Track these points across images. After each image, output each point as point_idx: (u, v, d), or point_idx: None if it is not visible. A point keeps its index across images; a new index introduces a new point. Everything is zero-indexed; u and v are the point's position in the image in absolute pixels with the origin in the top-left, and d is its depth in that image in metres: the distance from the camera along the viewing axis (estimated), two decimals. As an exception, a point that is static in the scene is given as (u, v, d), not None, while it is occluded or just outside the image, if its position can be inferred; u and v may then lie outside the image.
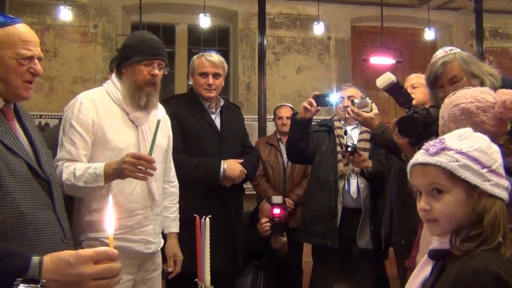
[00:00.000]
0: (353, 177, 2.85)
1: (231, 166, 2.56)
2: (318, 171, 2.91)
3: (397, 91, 2.02)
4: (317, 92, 2.66)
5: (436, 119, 1.79)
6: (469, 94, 1.58)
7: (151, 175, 1.86)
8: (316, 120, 3.25)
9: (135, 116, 2.03)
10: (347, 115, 2.57)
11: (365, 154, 2.78)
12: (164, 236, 2.22)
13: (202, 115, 2.63)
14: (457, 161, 1.12)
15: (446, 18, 7.18)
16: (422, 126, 1.92)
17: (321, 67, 6.84)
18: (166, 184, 2.24)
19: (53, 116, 5.83)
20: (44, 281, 0.96)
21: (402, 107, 2.05)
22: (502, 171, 1.15)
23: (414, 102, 2.67)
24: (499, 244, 1.10)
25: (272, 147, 3.67)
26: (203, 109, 2.65)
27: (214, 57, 2.65)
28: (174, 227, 2.26)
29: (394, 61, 6.00)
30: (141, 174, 1.81)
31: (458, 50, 2.10)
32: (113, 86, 2.06)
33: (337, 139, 2.90)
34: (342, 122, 2.97)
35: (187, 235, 2.02)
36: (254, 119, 6.15)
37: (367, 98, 2.55)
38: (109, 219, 1.01)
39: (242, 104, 6.68)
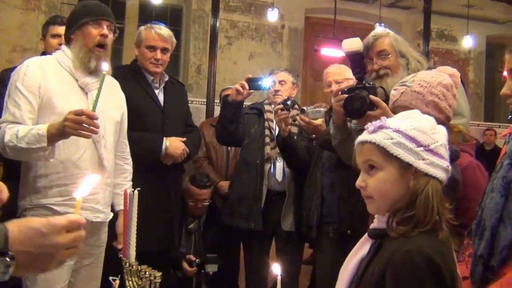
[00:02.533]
0: (279, 161, 2.85)
1: (174, 144, 2.49)
2: (245, 154, 2.89)
3: (358, 62, 1.97)
4: (250, 75, 2.65)
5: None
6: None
7: (95, 132, 1.81)
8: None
9: (84, 82, 1.97)
10: (300, 121, 2.56)
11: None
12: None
13: (145, 89, 2.53)
14: (391, 138, 1.13)
15: (396, 16, 7.38)
16: (367, 108, 1.93)
17: (273, 55, 6.84)
18: (120, 160, 2.20)
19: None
20: (12, 253, 0.84)
21: (355, 79, 2.04)
22: (443, 152, 1.16)
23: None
24: (435, 226, 1.11)
25: (216, 129, 3.63)
26: (147, 83, 2.56)
27: (164, 30, 2.56)
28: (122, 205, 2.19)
29: (344, 54, 6.08)
30: (83, 131, 1.75)
31: (392, 32, 2.14)
32: (63, 54, 2.01)
33: (266, 122, 2.89)
34: (272, 106, 2.95)
35: None
36: (202, 103, 6.06)
37: (322, 109, 2.55)
38: (84, 184, 0.97)
39: (192, 86, 6.57)
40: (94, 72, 1.99)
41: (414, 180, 1.12)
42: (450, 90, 1.72)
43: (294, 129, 2.85)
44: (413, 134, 1.14)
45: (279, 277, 1.15)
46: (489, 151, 6.79)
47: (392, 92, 1.77)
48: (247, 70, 6.89)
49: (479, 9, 7.40)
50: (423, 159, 1.12)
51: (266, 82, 2.63)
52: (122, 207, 2.15)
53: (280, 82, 2.93)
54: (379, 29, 2.16)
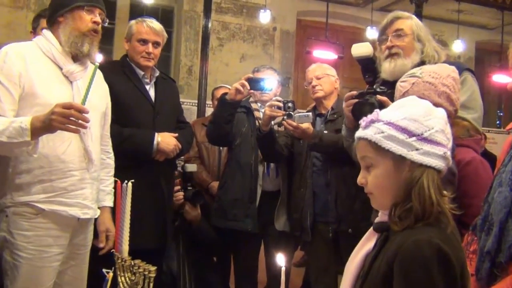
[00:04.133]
0: None
1: (165, 140, 2.42)
2: (238, 154, 2.81)
3: (368, 66, 1.95)
4: (250, 75, 2.59)
5: None
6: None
7: (84, 127, 1.69)
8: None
9: (69, 70, 1.87)
10: (284, 124, 2.49)
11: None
12: None
13: (135, 84, 2.46)
14: (382, 132, 1.10)
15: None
16: None
17: (265, 57, 6.80)
18: (103, 154, 2.10)
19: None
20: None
21: (366, 83, 2.00)
22: (440, 138, 1.11)
23: (321, 93, 2.69)
24: (440, 218, 1.07)
25: (209, 128, 3.56)
26: (137, 78, 2.48)
27: (155, 24, 2.49)
28: (108, 201, 2.11)
29: (336, 56, 6.08)
30: (72, 126, 1.64)
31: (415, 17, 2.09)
32: (44, 40, 1.89)
33: (256, 121, 2.81)
34: (259, 105, 2.89)
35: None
36: (193, 104, 6.00)
37: (310, 114, 2.51)
38: None
39: (183, 87, 6.50)
40: (80, 59, 1.89)
41: (409, 171, 1.08)
42: (457, 84, 1.69)
43: (281, 129, 2.79)
44: (404, 125, 1.09)
45: (283, 268, 1.09)
46: (480, 155, 6.80)
47: (401, 84, 1.71)
48: (239, 72, 6.90)
49: (469, 15, 7.45)
50: (416, 149, 1.08)
51: (269, 83, 2.57)
52: (105, 204, 2.10)
53: None
54: (402, 12, 2.10)
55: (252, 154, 2.78)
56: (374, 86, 1.91)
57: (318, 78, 2.73)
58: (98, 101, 2.00)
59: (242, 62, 6.71)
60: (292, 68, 6.95)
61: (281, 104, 2.49)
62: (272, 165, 2.83)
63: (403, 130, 1.09)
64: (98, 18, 1.93)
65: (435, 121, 1.12)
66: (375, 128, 1.11)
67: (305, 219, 2.56)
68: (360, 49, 1.90)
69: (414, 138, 1.09)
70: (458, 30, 7.21)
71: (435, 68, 1.72)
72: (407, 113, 1.11)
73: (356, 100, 1.90)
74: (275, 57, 6.86)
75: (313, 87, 2.73)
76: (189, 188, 2.81)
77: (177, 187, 2.76)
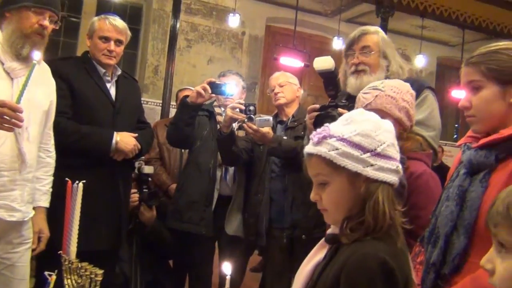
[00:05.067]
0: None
1: (124, 139, 2.37)
2: (198, 157, 2.79)
3: (331, 80, 1.96)
4: (212, 79, 2.59)
5: None
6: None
7: (18, 126, 1.65)
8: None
9: (11, 66, 1.80)
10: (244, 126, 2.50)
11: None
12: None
13: (96, 81, 2.40)
14: (336, 149, 1.09)
15: (354, 31, 7.56)
16: None
17: (232, 61, 6.81)
18: (42, 152, 2.03)
19: None
20: None
21: (328, 97, 2.01)
22: (391, 151, 1.13)
23: (283, 101, 2.73)
24: (390, 232, 1.08)
25: (171, 130, 3.52)
26: (98, 76, 2.43)
27: (119, 22, 2.45)
28: (44, 201, 2.04)
29: (302, 64, 6.15)
30: (5, 125, 1.59)
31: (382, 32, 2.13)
32: None
33: (218, 125, 2.80)
34: (222, 109, 2.89)
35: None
36: (158, 104, 5.94)
37: (271, 118, 2.52)
38: None
39: (148, 87, 6.42)
40: (24, 59, 1.82)
41: (365, 186, 1.09)
42: (413, 100, 1.75)
43: (242, 133, 2.80)
44: (357, 141, 1.09)
45: (228, 277, 1.08)
46: (436, 167, 7.02)
47: (363, 95, 1.75)
48: (206, 74, 6.87)
49: (432, 31, 7.71)
50: (371, 165, 1.09)
51: (230, 88, 2.57)
52: (40, 204, 2.03)
53: None
54: (369, 27, 2.14)
55: (211, 158, 2.77)
56: (336, 100, 1.93)
57: (281, 86, 2.77)
58: (41, 99, 1.94)
59: (210, 64, 6.69)
60: (259, 73, 6.98)
61: (243, 107, 2.50)
62: (230, 170, 2.83)
63: (357, 146, 1.09)
64: (46, 22, 1.86)
65: (386, 135, 1.13)
66: (329, 144, 1.10)
67: (260, 224, 2.57)
68: (322, 63, 1.92)
69: (368, 154, 1.09)
70: (421, 45, 7.45)
71: (396, 83, 1.77)
72: (359, 129, 1.11)
73: (318, 113, 1.92)
74: (243, 61, 6.88)
75: (276, 94, 2.77)
76: (144, 189, 2.77)
77: (133, 190, 2.73)
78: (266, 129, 2.45)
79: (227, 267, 1.09)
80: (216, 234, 2.78)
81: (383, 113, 1.72)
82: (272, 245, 2.57)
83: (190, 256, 2.86)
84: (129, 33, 2.50)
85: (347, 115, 1.18)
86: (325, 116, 1.88)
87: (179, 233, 2.78)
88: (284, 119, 2.77)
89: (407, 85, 1.78)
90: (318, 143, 1.12)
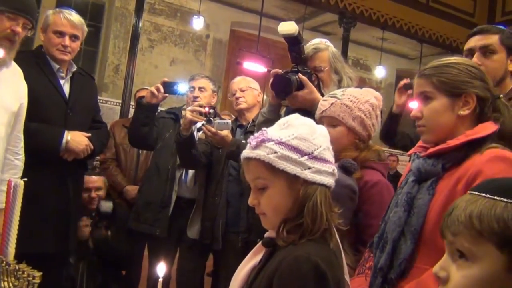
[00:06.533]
0: None
1: (76, 139, 2.30)
2: (157, 158, 2.81)
3: (294, 44, 1.96)
4: (166, 79, 2.59)
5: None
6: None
7: None
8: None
9: None
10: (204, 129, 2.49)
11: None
12: None
13: (48, 77, 2.31)
14: (275, 152, 1.09)
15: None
16: (295, 90, 1.93)
17: (195, 63, 6.76)
18: (11, 155, 1.98)
19: None
20: None
21: (292, 61, 2.02)
22: (327, 155, 1.14)
23: (244, 105, 2.75)
24: (325, 234, 1.10)
25: (128, 131, 3.45)
26: (51, 72, 2.34)
27: (74, 16, 2.37)
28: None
29: (266, 70, 6.17)
30: None
31: (331, 45, 2.19)
32: None
33: None
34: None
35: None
36: (117, 104, 5.81)
37: (229, 121, 2.52)
38: None
39: (107, 86, 6.28)
40: None
41: (303, 189, 1.10)
42: (375, 110, 1.78)
43: (203, 136, 2.79)
44: (295, 144, 1.10)
45: (160, 280, 1.06)
46: (391, 175, 7.22)
47: (321, 102, 1.78)
48: (168, 75, 6.69)
49: (392, 43, 7.93)
50: (309, 168, 1.10)
51: (182, 87, 2.58)
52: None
53: (200, 88, 2.88)
54: (317, 40, 2.19)
55: (171, 160, 2.76)
56: (298, 66, 1.96)
57: (242, 91, 2.78)
58: (9, 100, 1.91)
59: (172, 66, 6.62)
60: (223, 77, 6.97)
61: (202, 110, 2.49)
62: (190, 172, 2.80)
63: (295, 149, 1.10)
64: (18, 28, 1.86)
65: (321, 139, 1.15)
66: (267, 148, 1.10)
67: (216, 228, 2.56)
68: (285, 27, 1.91)
69: (306, 157, 1.10)
70: (381, 56, 7.64)
71: (356, 92, 1.80)
72: (297, 133, 1.12)
73: (277, 74, 1.95)
74: (206, 64, 6.85)
75: (237, 98, 2.77)
76: (99, 226, 2.73)
77: (86, 222, 2.71)
78: (225, 132, 2.44)
79: (161, 269, 1.06)
80: (176, 236, 2.76)
81: (336, 121, 1.75)
82: (227, 249, 2.55)
83: (149, 258, 2.82)
84: (85, 28, 2.43)
85: (283, 120, 1.18)
86: (283, 77, 1.91)
87: (139, 234, 2.77)
88: (244, 123, 2.77)
89: (372, 94, 1.82)
90: (256, 146, 1.12)
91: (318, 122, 1.67)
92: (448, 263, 0.86)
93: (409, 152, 1.49)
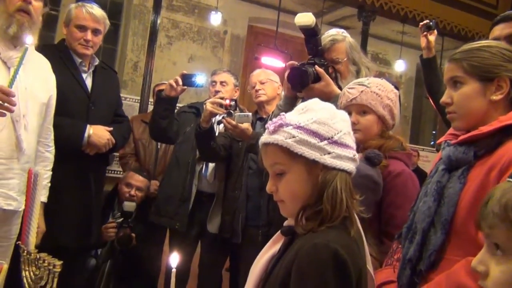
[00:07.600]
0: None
1: (98, 133, 2.31)
2: (178, 152, 2.82)
3: (311, 36, 1.94)
4: (185, 71, 2.57)
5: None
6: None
7: (10, 110, 1.63)
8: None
9: (7, 55, 1.77)
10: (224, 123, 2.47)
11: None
12: None
13: (71, 71, 2.33)
14: (293, 137, 1.06)
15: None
16: (312, 82, 1.91)
17: (213, 60, 6.75)
18: (42, 147, 2.01)
19: None
20: None
21: (308, 53, 2.00)
22: (348, 140, 1.11)
23: (264, 98, 2.72)
24: (345, 222, 1.06)
25: (147, 126, 3.44)
26: (74, 66, 2.35)
27: (96, 10, 2.38)
28: (42, 196, 1.98)
29: (284, 65, 6.14)
30: None
31: (348, 35, 2.15)
32: None
33: None
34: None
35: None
36: (136, 100, 5.83)
37: (250, 114, 2.51)
38: None
39: (127, 83, 6.31)
40: (17, 43, 1.79)
41: (323, 174, 1.07)
42: (397, 100, 1.76)
43: (222, 129, 2.78)
44: (314, 128, 1.07)
45: (174, 271, 1.04)
46: (412, 171, 7.10)
47: (349, 90, 1.75)
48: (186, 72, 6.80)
49: (412, 37, 7.78)
50: (328, 153, 1.07)
51: (200, 79, 2.55)
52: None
53: (221, 83, 2.87)
54: (334, 31, 2.15)
55: (191, 154, 2.78)
56: (315, 58, 1.93)
57: (262, 83, 2.76)
58: (39, 91, 1.92)
59: (191, 62, 6.61)
60: (240, 72, 6.93)
61: (223, 102, 2.47)
62: (210, 166, 2.79)
63: (314, 133, 1.07)
64: None
65: (342, 124, 1.11)
66: (285, 132, 1.07)
67: (236, 222, 2.54)
68: (302, 18, 1.90)
69: (325, 142, 1.07)
70: (401, 50, 7.52)
71: (381, 81, 1.78)
72: (316, 117, 1.09)
73: (294, 66, 1.93)
74: (224, 60, 6.83)
75: (256, 91, 2.76)
76: (124, 226, 2.71)
77: (111, 224, 2.71)
78: (245, 125, 2.42)
79: (174, 259, 1.04)
80: (196, 230, 2.76)
81: (367, 109, 1.72)
82: (247, 243, 2.53)
83: (171, 252, 2.82)
84: (107, 22, 2.44)
85: (302, 105, 1.16)
86: (299, 69, 1.89)
87: (160, 228, 2.81)
88: (264, 116, 2.75)
89: (391, 85, 1.80)
90: (274, 131, 1.09)
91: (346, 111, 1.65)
92: (487, 257, 0.81)
93: (439, 141, 1.45)
